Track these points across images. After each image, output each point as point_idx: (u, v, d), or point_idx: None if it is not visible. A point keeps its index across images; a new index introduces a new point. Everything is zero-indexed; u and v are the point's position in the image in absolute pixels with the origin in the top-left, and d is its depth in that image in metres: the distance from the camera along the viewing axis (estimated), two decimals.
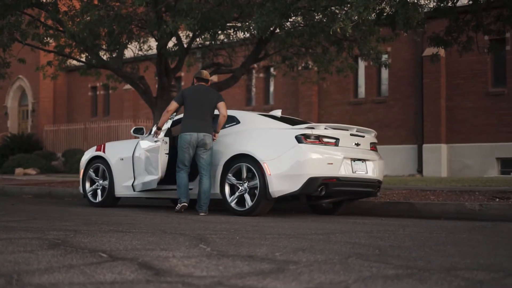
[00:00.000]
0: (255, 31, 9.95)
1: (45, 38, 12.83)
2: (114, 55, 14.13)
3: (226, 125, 8.52)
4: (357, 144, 8.24)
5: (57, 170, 25.61)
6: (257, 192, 7.81)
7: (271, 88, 24.89)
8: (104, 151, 9.72)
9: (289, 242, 4.63)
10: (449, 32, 11.82)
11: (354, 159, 8.09)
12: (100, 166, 9.70)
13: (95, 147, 10.15)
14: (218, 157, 8.27)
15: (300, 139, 7.73)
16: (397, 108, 21.22)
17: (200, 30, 11.16)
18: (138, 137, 9.36)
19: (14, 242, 4.20)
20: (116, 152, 9.60)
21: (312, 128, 7.93)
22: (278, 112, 9.05)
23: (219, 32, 11.90)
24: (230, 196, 8.11)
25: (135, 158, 9.17)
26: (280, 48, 13.61)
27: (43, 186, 14.05)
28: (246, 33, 11.27)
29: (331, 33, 8.64)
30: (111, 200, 9.61)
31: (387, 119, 21.28)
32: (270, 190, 7.70)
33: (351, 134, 8.26)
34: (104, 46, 14.16)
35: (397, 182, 13.69)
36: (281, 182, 7.68)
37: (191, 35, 13.52)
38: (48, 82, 31.05)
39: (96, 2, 12.06)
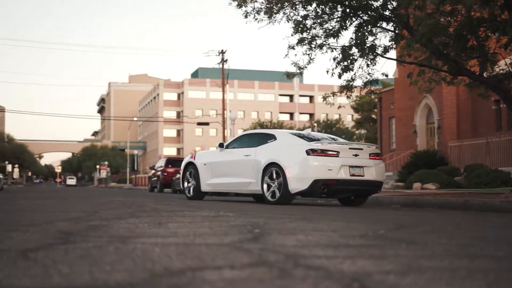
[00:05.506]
0: None
1: (404, 50, 13.36)
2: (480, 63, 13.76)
3: (268, 141, 11.95)
4: (356, 155, 11.15)
5: (459, 185, 25.45)
6: (281, 188, 11.14)
7: None
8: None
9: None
10: None
11: (352, 166, 11.08)
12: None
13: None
14: (260, 164, 11.63)
15: (309, 152, 10.89)
16: None
17: None
18: None
19: None
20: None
21: (319, 144, 10.96)
22: (308, 131, 12.27)
23: None
24: (267, 191, 11.48)
25: None
26: None
27: (410, 197, 14.43)
28: None
29: None
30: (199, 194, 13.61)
31: None
32: (289, 188, 11.04)
33: (350, 148, 11.21)
34: (473, 54, 13.89)
35: None
36: (296, 182, 10.98)
37: None
38: (452, 99, 31.49)
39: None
